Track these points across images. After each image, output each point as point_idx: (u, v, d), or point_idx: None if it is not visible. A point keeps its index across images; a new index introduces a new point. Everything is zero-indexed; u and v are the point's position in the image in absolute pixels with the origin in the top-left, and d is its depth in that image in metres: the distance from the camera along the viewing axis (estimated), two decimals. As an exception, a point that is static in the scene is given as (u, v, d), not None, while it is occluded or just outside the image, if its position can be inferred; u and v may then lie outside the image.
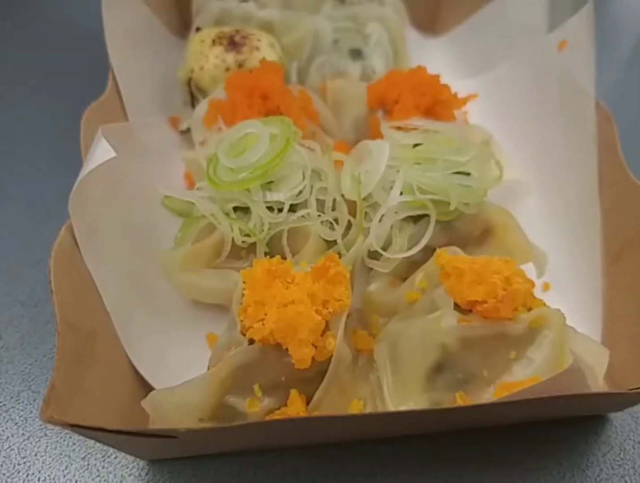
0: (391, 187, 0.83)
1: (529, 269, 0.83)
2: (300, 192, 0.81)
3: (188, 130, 1.10)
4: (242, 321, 0.66)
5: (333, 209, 0.85)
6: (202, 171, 0.88)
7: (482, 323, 0.67)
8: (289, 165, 0.82)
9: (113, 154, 0.69)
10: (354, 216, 0.87)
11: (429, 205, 0.79)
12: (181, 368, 0.74)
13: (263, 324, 0.63)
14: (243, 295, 0.68)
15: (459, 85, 1.25)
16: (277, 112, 0.96)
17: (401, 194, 0.80)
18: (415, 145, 0.88)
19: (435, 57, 1.40)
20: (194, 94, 1.11)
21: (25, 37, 1.44)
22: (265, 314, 0.64)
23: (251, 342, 0.65)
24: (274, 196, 0.79)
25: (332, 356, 0.65)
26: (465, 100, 1.01)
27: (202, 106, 1.05)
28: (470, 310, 0.69)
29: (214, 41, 1.11)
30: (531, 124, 1.10)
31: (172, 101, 1.20)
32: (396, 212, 0.80)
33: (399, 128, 0.93)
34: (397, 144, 0.88)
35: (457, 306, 0.69)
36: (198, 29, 1.18)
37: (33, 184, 1.07)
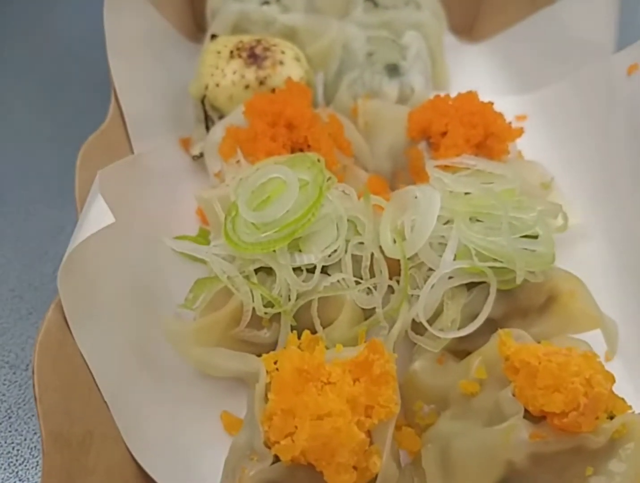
0: (440, 242, 0.71)
1: (593, 337, 0.72)
2: (335, 250, 0.68)
3: (201, 155, 0.97)
4: (266, 431, 0.54)
5: (371, 267, 0.72)
6: (217, 214, 0.75)
7: (558, 437, 0.55)
8: (321, 218, 0.69)
9: (110, 219, 0.57)
10: (394, 274, 0.74)
11: (489, 274, 0.66)
12: (192, 461, 0.62)
13: (292, 440, 0.51)
14: (267, 396, 0.56)
15: (501, 103, 1.11)
16: (305, 145, 0.83)
17: (455, 257, 0.67)
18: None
19: (474, 67, 1.26)
20: (208, 113, 0.97)
21: (24, 51, 1.29)
22: (296, 427, 0.52)
23: (277, 458, 0.54)
24: (303, 259, 0.67)
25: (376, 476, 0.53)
26: (520, 132, 0.87)
27: (218, 130, 0.93)
28: (543, 417, 0.56)
29: (231, 53, 0.97)
30: (591, 157, 0.97)
31: (183, 116, 1.07)
32: (450, 278, 0.67)
33: (446, 166, 0.80)
34: (447, 190, 0.74)
35: (526, 411, 0.57)
36: (213, 37, 1.04)
37: (25, 224, 0.94)
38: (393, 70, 0.99)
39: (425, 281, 0.72)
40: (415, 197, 0.74)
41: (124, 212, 0.73)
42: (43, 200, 0.97)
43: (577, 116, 0.99)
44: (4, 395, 0.75)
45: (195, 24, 1.29)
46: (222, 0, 1.14)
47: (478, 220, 0.70)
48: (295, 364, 0.55)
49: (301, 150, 0.84)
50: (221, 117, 0.97)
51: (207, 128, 0.97)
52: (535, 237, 0.68)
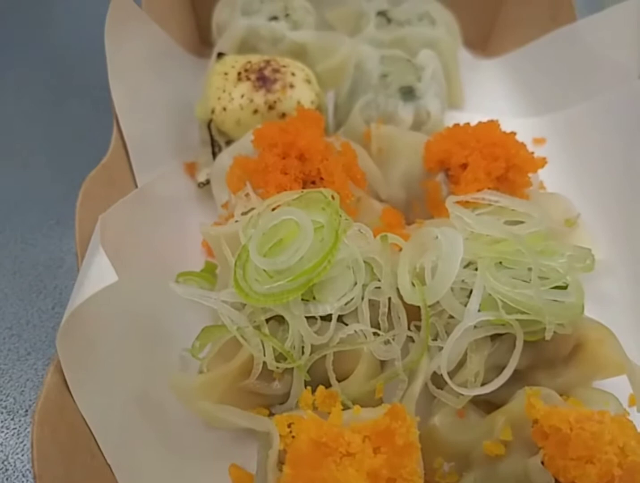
0: (461, 287, 0.67)
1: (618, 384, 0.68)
2: (352, 299, 0.64)
3: (207, 182, 0.93)
4: (283, 508, 0.50)
5: (388, 313, 0.68)
6: (222, 250, 0.71)
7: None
8: (337, 263, 0.65)
9: (112, 278, 0.52)
10: (412, 318, 0.70)
11: (516, 326, 0.62)
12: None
13: (311, 521, 0.48)
14: (279, 462, 0.53)
15: (518, 125, 1.07)
16: (317, 177, 0.79)
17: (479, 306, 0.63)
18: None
19: (489, 84, 1.22)
20: (214, 137, 0.93)
21: (22, 68, 1.24)
22: (314, 506, 0.48)
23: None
24: (318, 309, 0.63)
25: None
26: (542, 163, 0.83)
27: (225, 157, 0.89)
28: (574, 487, 0.53)
29: (239, 75, 0.93)
30: (614, 185, 0.92)
31: (187, 138, 1.03)
32: (475, 327, 0.64)
33: (467, 202, 0.76)
34: (468, 230, 0.70)
35: (557, 481, 0.53)
36: (220, 55, 1.00)
37: (22, 255, 0.90)
38: (408, 93, 0.94)
39: (446, 329, 0.68)
40: (436, 238, 0.70)
41: (127, 253, 0.69)
42: (41, 229, 0.93)
43: (599, 142, 0.95)
44: (0, 444, 0.70)
45: (200, 37, 1.24)
46: (229, 14, 1.10)
47: (503, 266, 0.66)
48: (313, 435, 0.51)
49: (313, 182, 0.80)
50: (228, 141, 0.93)
51: (214, 153, 0.93)
52: (565, 287, 0.64)
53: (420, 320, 0.69)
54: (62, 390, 0.54)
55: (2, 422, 0.73)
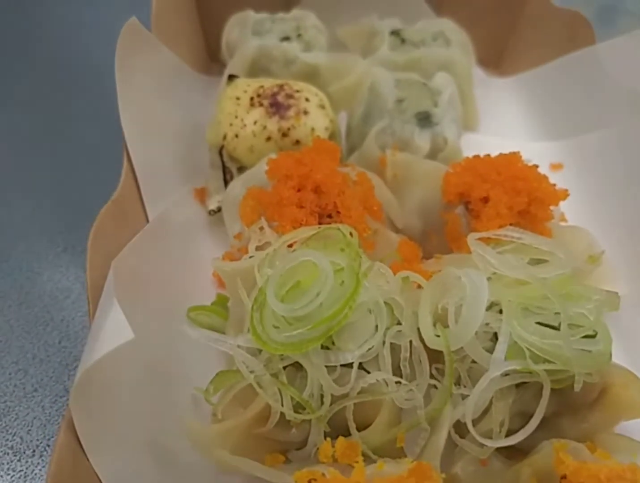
0: (485, 331, 0.65)
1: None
2: (373, 346, 0.62)
3: (218, 210, 0.90)
4: None
5: (410, 357, 0.65)
6: (237, 287, 0.69)
7: None
8: (358, 308, 0.62)
9: (128, 334, 0.50)
10: (433, 360, 0.68)
11: (543, 376, 0.60)
12: None
13: None
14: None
15: (535, 149, 1.05)
16: (334, 210, 0.77)
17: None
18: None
19: (504, 104, 1.20)
20: (225, 164, 0.91)
21: (24, 87, 1.21)
22: None
23: None
24: (339, 358, 0.60)
25: None
26: (565, 195, 0.80)
27: (237, 186, 0.87)
28: None
29: (252, 100, 0.90)
30: (633, 215, 0.90)
31: (197, 161, 1.00)
32: (502, 375, 0.61)
33: (488, 238, 0.74)
34: (491, 270, 0.68)
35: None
36: (231, 77, 0.97)
37: (28, 284, 0.88)
38: (424, 119, 0.92)
39: (469, 374, 0.66)
40: (459, 278, 0.67)
41: (140, 293, 0.67)
42: (47, 257, 0.91)
43: (617, 170, 0.93)
44: (6, 488, 0.68)
45: (209, 54, 1.22)
46: (239, 33, 1.07)
47: (529, 311, 0.64)
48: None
49: (330, 216, 0.78)
50: (240, 168, 0.91)
51: (225, 180, 0.90)
52: (594, 335, 0.62)
53: (441, 362, 0.67)
54: (74, 449, 0.52)
55: (8, 463, 0.71)
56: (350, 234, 0.71)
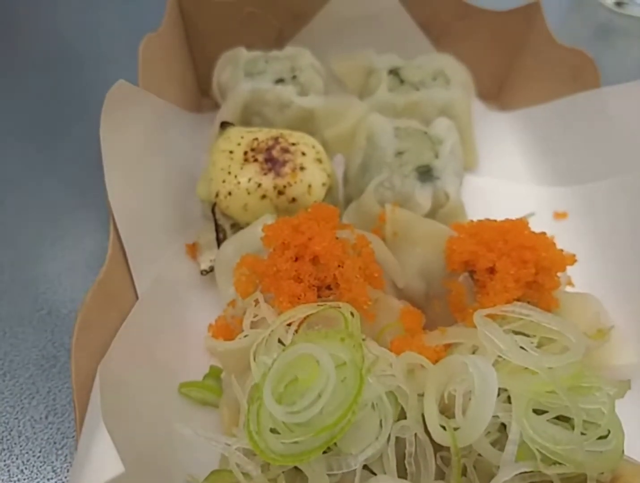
0: (493, 422, 0.62)
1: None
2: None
3: (211, 270, 0.86)
4: None
5: (415, 452, 0.62)
6: (231, 365, 0.66)
7: None
8: (361, 407, 0.59)
9: (115, 468, 0.46)
10: (438, 448, 0.65)
11: (555, 478, 0.57)
12: None
13: None
14: None
15: (535, 194, 1.02)
16: (333, 282, 0.73)
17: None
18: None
19: (504, 140, 1.17)
20: (218, 221, 0.87)
21: None
22: None
23: None
24: (342, 465, 0.57)
25: None
26: (572, 260, 0.78)
27: (230, 248, 0.83)
28: None
29: (245, 154, 0.86)
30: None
31: (188, 210, 0.96)
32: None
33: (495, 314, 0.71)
34: (497, 355, 0.65)
35: None
36: (223, 125, 0.93)
37: (12, 351, 0.84)
38: (425, 173, 0.88)
39: (475, 465, 0.64)
40: (466, 365, 0.64)
41: (129, 380, 0.64)
42: (32, 320, 0.86)
43: (625, 226, 0.90)
44: None
45: (199, 89, 1.17)
46: (231, 72, 1.03)
47: (539, 407, 0.61)
48: None
49: (329, 287, 0.74)
50: (234, 224, 0.87)
51: (218, 239, 0.86)
52: (606, 435, 0.59)
53: (445, 450, 0.64)
54: None
55: None
56: (352, 313, 0.68)
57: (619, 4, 1.57)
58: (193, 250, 0.91)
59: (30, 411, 0.78)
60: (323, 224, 0.75)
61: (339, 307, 0.68)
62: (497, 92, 1.24)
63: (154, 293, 0.77)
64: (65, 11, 1.47)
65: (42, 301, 0.89)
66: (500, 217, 0.89)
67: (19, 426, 0.77)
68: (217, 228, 0.86)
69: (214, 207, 0.86)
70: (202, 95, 1.17)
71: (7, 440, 0.76)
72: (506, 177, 1.07)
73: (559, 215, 0.99)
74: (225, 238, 0.85)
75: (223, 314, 0.83)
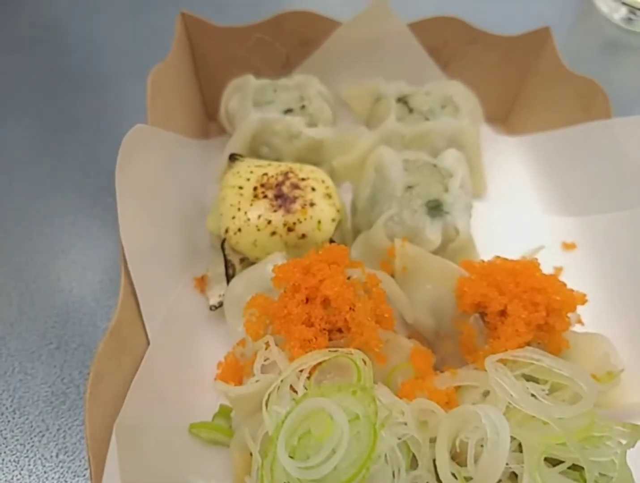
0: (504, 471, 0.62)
1: None
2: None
3: (220, 305, 0.86)
4: None
5: (426, 501, 0.63)
6: (241, 405, 0.67)
7: None
8: (374, 460, 0.59)
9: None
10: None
11: (567, 533, 0.58)
12: None
13: None
14: None
15: (543, 223, 1.02)
16: (345, 326, 0.73)
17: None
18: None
19: (511, 166, 1.16)
20: (227, 257, 0.86)
21: None
22: None
23: None
24: (356, 520, 0.57)
25: None
26: (583, 300, 0.77)
27: (239, 285, 0.83)
28: None
29: (255, 189, 0.86)
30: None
31: (197, 243, 0.96)
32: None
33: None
34: (509, 403, 0.65)
35: None
36: (232, 158, 0.92)
37: (22, 387, 0.84)
38: (435, 208, 0.88)
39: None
40: (478, 415, 0.64)
41: (144, 426, 0.64)
42: (40, 355, 0.87)
43: (637, 262, 0.90)
44: None
45: (206, 114, 1.16)
46: (239, 101, 1.02)
47: (550, 459, 0.61)
48: None
49: (340, 330, 0.74)
50: (243, 259, 0.87)
51: (227, 274, 0.86)
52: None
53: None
54: None
55: None
56: (364, 361, 0.68)
57: (627, 20, 1.56)
58: (202, 283, 0.91)
59: (41, 449, 0.78)
60: (334, 266, 0.74)
61: (351, 354, 0.68)
62: (505, 116, 1.23)
63: (164, 335, 0.77)
64: (76, 29, 1.46)
65: (50, 335, 0.88)
66: (508, 247, 0.90)
67: (29, 465, 0.77)
68: (227, 264, 0.86)
69: (223, 242, 0.86)
70: (209, 120, 1.16)
71: (18, 479, 0.76)
72: (515, 205, 1.07)
73: (568, 246, 0.99)
74: (234, 274, 0.85)
75: (232, 351, 0.82)
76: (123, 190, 0.73)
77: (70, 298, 0.93)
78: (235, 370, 0.81)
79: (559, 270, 0.97)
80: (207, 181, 1.02)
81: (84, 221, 1.02)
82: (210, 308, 0.87)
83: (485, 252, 0.90)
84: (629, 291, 0.89)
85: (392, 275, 0.89)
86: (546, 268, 0.94)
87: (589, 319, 0.86)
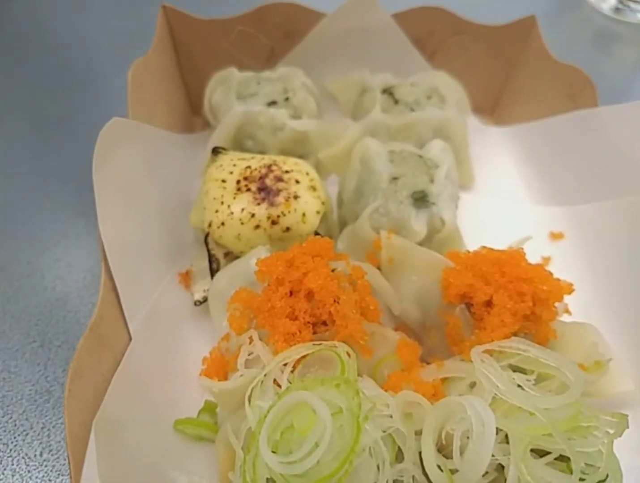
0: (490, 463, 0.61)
1: None
2: (374, 493, 0.58)
3: (204, 300, 0.85)
4: None
5: (412, 495, 0.62)
6: (228, 403, 0.66)
7: None
8: (358, 454, 0.58)
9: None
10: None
11: (554, 523, 0.57)
12: None
13: None
14: None
15: (531, 213, 1.01)
16: (329, 318, 0.72)
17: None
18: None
19: (499, 157, 1.16)
20: (211, 251, 0.85)
21: None
22: None
23: None
24: (340, 514, 0.56)
25: None
26: (569, 289, 0.77)
27: (223, 280, 0.82)
28: None
29: (238, 183, 0.85)
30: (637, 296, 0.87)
31: (180, 237, 0.95)
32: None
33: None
34: (495, 394, 0.65)
35: None
36: (215, 151, 0.91)
37: (6, 385, 0.82)
38: (420, 199, 0.87)
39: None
40: (464, 406, 0.64)
41: (126, 428, 0.63)
42: (24, 353, 0.85)
43: (624, 251, 0.89)
44: None
45: (191, 108, 1.15)
46: (223, 94, 1.01)
47: (537, 450, 0.61)
48: None
49: (324, 323, 0.73)
50: (227, 253, 0.86)
51: (211, 269, 0.85)
52: (604, 479, 0.59)
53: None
54: None
55: None
56: (348, 354, 0.67)
57: (616, 10, 1.55)
58: (186, 279, 0.90)
59: (25, 448, 0.77)
60: (318, 259, 0.74)
61: (335, 347, 0.67)
62: (492, 107, 1.22)
63: (147, 330, 0.76)
64: (57, 25, 1.45)
65: (34, 333, 0.87)
66: (496, 237, 0.90)
67: (12, 464, 0.76)
68: (211, 258, 0.85)
69: (206, 236, 0.85)
70: (193, 114, 1.15)
71: (0, 479, 0.75)
72: (502, 196, 1.07)
73: (556, 236, 0.98)
74: (218, 268, 0.84)
75: (217, 346, 0.82)
76: (102, 184, 0.72)
77: (54, 295, 0.92)
78: (220, 366, 0.80)
79: (546, 259, 0.96)
80: (191, 175, 1.01)
81: (68, 219, 1.01)
82: (195, 304, 0.86)
83: (472, 243, 0.89)
84: (617, 280, 0.89)
85: (378, 267, 0.88)
86: (534, 258, 0.95)
87: (577, 308, 0.86)
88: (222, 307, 0.80)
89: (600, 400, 0.80)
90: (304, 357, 0.68)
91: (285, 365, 0.68)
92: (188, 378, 0.80)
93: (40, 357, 0.85)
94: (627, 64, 1.55)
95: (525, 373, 0.69)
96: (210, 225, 0.84)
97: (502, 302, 0.72)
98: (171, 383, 0.78)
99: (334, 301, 0.72)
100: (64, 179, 1.07)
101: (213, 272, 0.85)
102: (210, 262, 0.85)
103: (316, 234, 0.86)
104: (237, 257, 0.86)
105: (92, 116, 1.19)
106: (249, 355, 0.72)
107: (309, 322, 0.72)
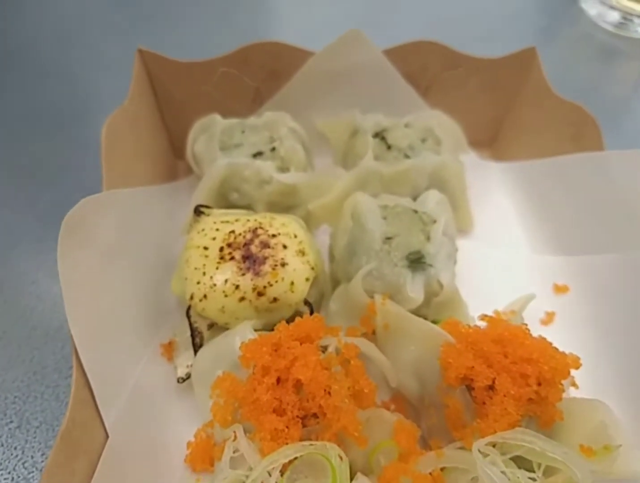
0: None
1: None
2: None
3: (188, 377, 0.81)
4: None
5: None
6: None
7: None
8: None
9: None
10: None
11: None
12: None
13: None
14: None
15: (533, 262, 0.96)
16: (320, 411, 0.68)
17: None
18: None
19: (497, 195, 1.10)
20: (193, 324, 0.80)
21: None
22: None
23: None
24: None
25: None
26: (576, 364, 0.72)
27: (207, 358, 0.77)
28: None
29: (221, 250, 0.79)
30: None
31: (163, 301, 0.90)
32: None
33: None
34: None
35: None
36: (197, 211, 0.86)
37: None
38: (416, 261, 0.82)
39: None
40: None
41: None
42: (1, 436, 0.80)
43: (631, 309, 0.84)
44: None
45: (174, 153, 1.09)
46: (205, 143, 0.95)
47: None
48: None
49: (315, 415, 0.68)
50: (211, 324, 0.81)
51: (194, 344, 0.80)
52: None
53: None
54: None
55: None
56: (340, 457, 0.62)
57: (619, 25, 1.48)
58: (169, 350, 0.85)
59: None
60: (306, 345, 0.69)
61: (326, 450, 0.62)
62: (490, 141, 1.17)
63: (127, 418, 0.71)
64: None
65: (11, 412, 0.82)
66: (497, 290, 0.87)
67: None
68: (193, 332, 0.80)
69: (188, 309, 0.80)
70: (176, 157, 1.10)
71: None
72: (503, 243, 1.01)
73: (560, 289, 0.93)
74: (202, 343, 0.79)
75: (202, 429, 0.77)
76: (67, 273, 0.66)
77: (31, 368, 0.87)
78: (205, 450, 0.75)
79: (550, 315, 0.91)
80: (174, 231, 0.95)
81: (44, 281, 0.96)
82: (178, 381, 0.81)
83: (473, 296, 0.86)
84: (623, 343, 0.84)
85: (373, 332, 0.84)
86: (538, 315, 0.90)
87: (583, 375, 0.80)
88: (206, 389, 0.75)
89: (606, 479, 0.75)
90: (292, 461, 0.63)
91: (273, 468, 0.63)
92: (172, 465, 0.76)
93: (17, 439, 0.80)
94: (629, 80, 1.49)
95: (531, 465, 0.65)
96: (192, 297, 0.79)
97: (505, 387, 0.67)
98: (155, 474, 0.73)
99: (325, 391, 0.67)
100: (39, 235, 1.01)
101: (196, 347, 0.80)
102: (192, 337, 0.80)
103: (306, 301, 0.81)
104: (222, 329, 0.81)
105: (71, 161, 1.13)
106: (234, 452, 0.67)
107: (297, 417, 0.67)
